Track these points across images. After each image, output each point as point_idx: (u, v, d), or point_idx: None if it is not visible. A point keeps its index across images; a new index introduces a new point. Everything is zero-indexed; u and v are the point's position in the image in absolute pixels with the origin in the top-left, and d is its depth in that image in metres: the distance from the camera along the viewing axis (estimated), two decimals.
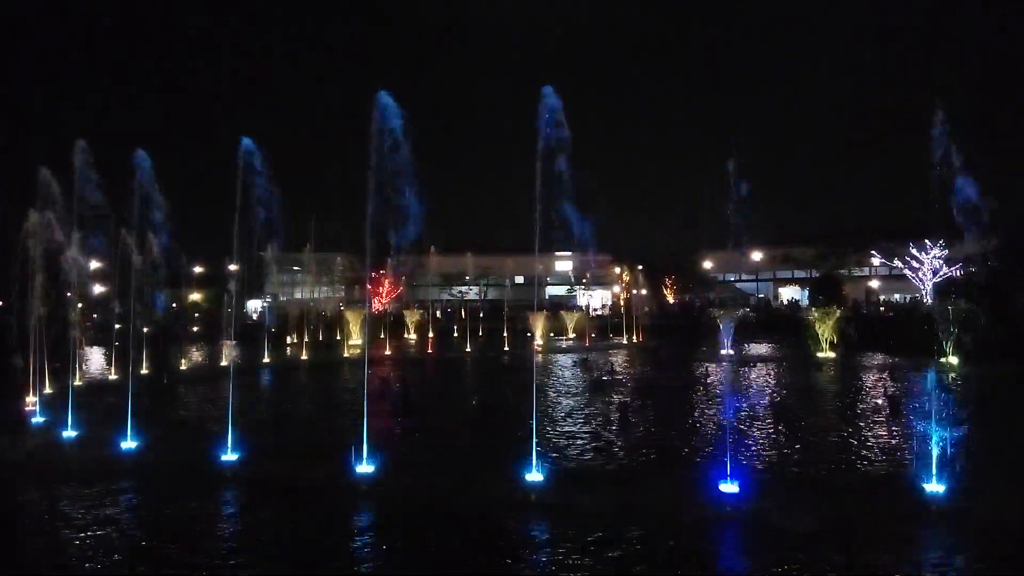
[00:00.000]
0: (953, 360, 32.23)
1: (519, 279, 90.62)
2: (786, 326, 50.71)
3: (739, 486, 12.44)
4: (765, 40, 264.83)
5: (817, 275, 78.89)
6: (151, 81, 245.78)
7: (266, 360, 38.51)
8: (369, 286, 65.21)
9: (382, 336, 49.15)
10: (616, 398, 25.04)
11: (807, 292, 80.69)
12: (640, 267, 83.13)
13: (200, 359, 41.18)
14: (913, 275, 65.97)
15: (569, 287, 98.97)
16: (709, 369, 35.21)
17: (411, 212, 15.09)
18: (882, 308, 72.03)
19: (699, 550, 10.83)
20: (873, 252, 76.65)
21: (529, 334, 48.98)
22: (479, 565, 10.45)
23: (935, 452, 12.60)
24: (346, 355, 42.57)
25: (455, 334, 58.35)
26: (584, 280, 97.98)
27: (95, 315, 43.16)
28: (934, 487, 12.23)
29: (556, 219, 14.27)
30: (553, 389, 28.25)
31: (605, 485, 13.68)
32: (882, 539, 10.78)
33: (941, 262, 62.55)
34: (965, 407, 21.85)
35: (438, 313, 74.61)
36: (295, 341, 49.83)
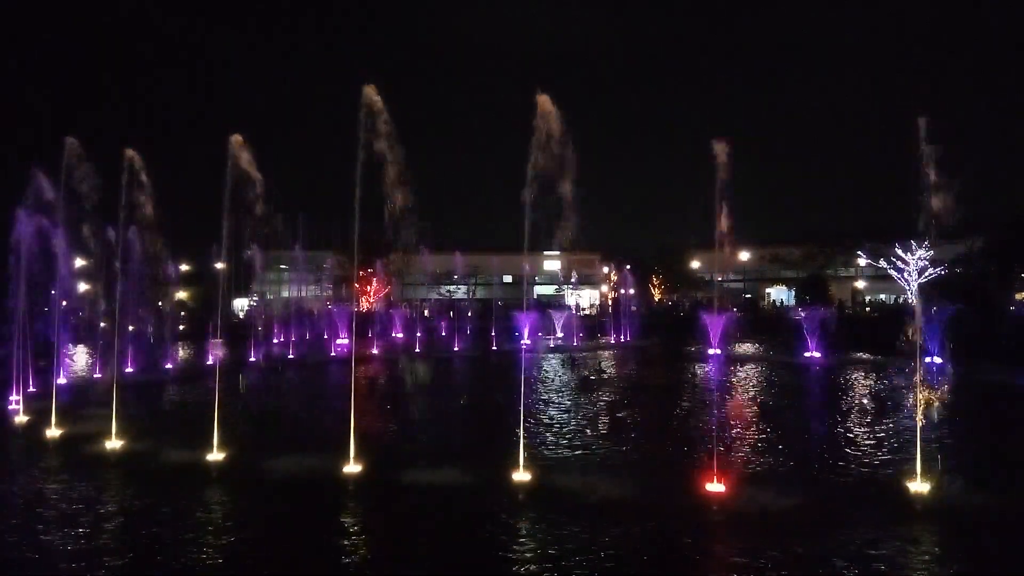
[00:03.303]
0: (938, 360, 32.48)
1: (507, 278, 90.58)
2: (773, 326, 51.01)
3: (724, 485, 12.52)
4: (755, 42, 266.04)
5: (804, 275, 79.24)
6: (141, 77, 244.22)
7: (252, 359, 38.41)
8: (357, 285, 65.23)
9: (370, 335, 49.04)
10: (603, 397, 25.12)
11: (794, 292, 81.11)
12: (628, 267, 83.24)
13: (186, 357, 40.97)
14: (899, 276, 66.34)
15: (557, 286, 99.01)
16: (696, 369, 35.35)
17: (401, 210, 15.11)
18: (867, 308, 72.45)
19: (680, 544, 10.88)
20: (859, 252, 77.03)
21: (517, 333, 49.02)
22: (467, 556, 10.49)
23: (918, 450, 12.72)
24: (333, 353, 42.55)
25: (443, 332, 58.30)
26: (572, 279, 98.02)
27: (80, 312, 42.81)
28: (917, 484, 12.34)
29: (545, 218, 14.31)
30: (540, 388, 28.28)
31: (590, 481, 13.68)
32: (862, 533, 10.86)
33: (927, 263, 62.89)
34: (949, 407, 22.11)
35: (426, 312, 74.48)
36: (282, 339, 49.68)
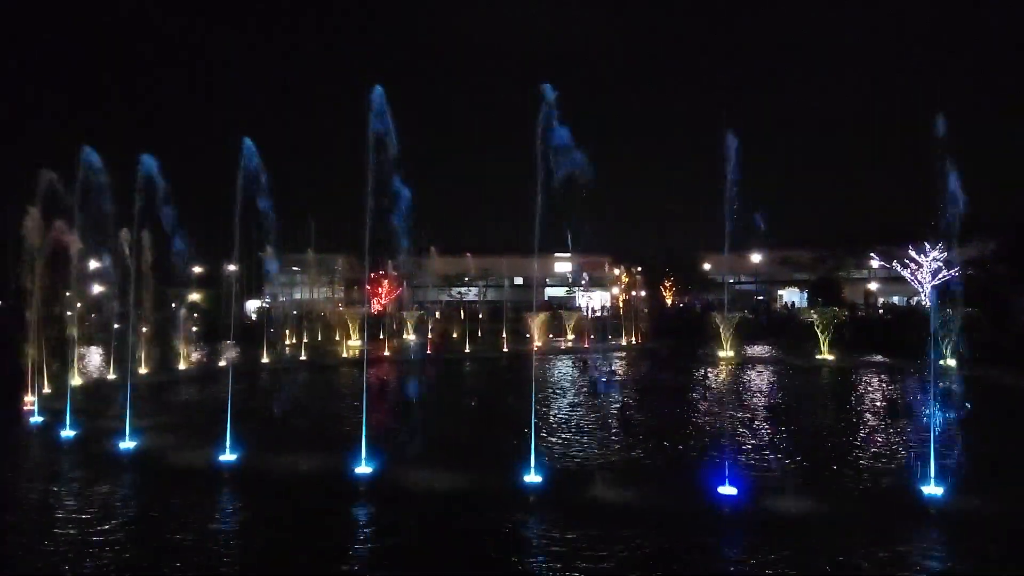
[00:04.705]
0: (951, 363, 32.26)
1: (518, 280, 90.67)
2: (785, 328, 50.78)
3: (737, 489, 12.50)
4: (766, 43, 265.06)
5: (816, 277, 78.89)
6: (151, 80, 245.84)
7: (264, 360, 38.59)
8: (368, 287, 65.43)
9: (381, 337, 49.13)
10: (614, 399, 25.08)
11: (806, 294, 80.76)
12: (639, 268, 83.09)
13: (199, 359, 41.16)
14: (911, 278, 65.96)
15: (568, 288, 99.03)
16: (708, 371, 35.23)
17: (410, 211, 15.21)
18: (880, 310, 71.99)
19: (691, 548, 10.86)
20: (872, 254, 76.66)
21: (528, 335, 49.02)
22: (475, 560, 10.51)
23: (932, 454, 12.66)
24: (345, 355, 42.71)
25: (454, 335, 58.41)
26: (583, 281, 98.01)
27: (93, 315, 43.13)
28: (930, 488, 12.29)
29: (556, 220, 14.34)
30: (552, 390, 28.27)
31: (603, 485, 13.66)
32: (874, 538, 10.82)
33: (940, 264, 62.49)
34: (962, 410, 21.96)
35: (437, 314, 74.59)
36: (294, 341, 49.89)
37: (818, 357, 37.76)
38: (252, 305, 76.43)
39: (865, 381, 31.15)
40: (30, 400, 22.05)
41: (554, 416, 22.04)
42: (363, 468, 14.10)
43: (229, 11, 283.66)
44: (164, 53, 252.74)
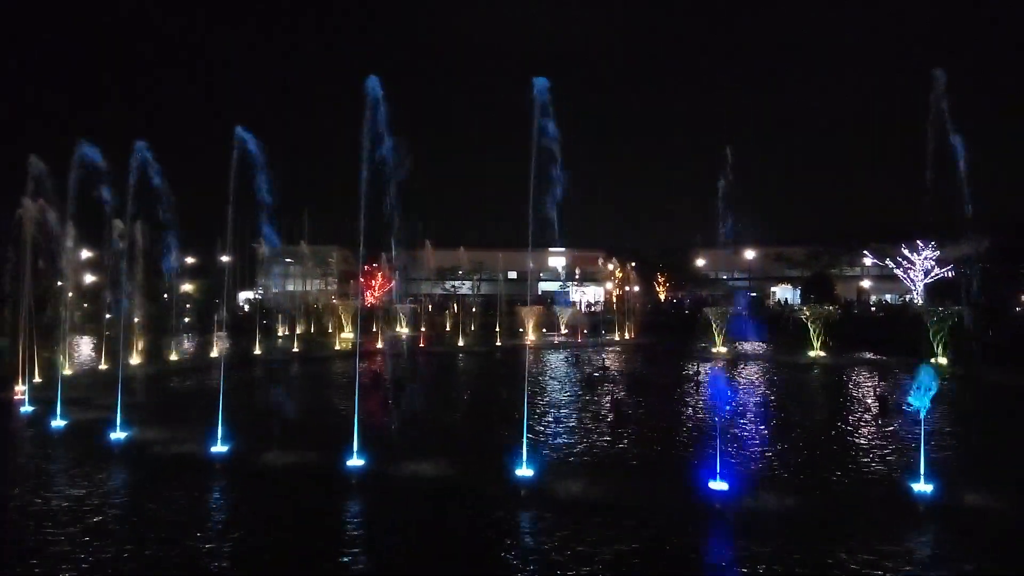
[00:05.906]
0: (942, 361, 32.38)
1: (512, 274, 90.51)
2: (778, 325, 50.82)
3: (727, 484, 12.53)
4: (766, 43, 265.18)
5: (809, 274, 79.00)
6: (146, 72, 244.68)
7: (257, 352, 38.51)
8: (362, 279, 65.21)
9: (374, 329, 49.09)
10: (606, 394, 25.10)
11: (799, 291, 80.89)
12: (633, 264, 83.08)
13: (191, 349, 41.06)
14: (904, 276, 66.16)
15: (562, 283, 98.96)
16: (700, 367, 35.25)
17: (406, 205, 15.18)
18: (872, 308, 72.22)
19: (683, 544, 10.88)
20: (865, 252, 76.81)
21: (521, 329, 49.00)
22: (467, 554, 10.51)
23: (921, 451, 12.70)
24: (337, 347, 42.66)
25: (447, 328, 58.38)
26: (577, 276, 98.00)
27: (85, 304, 42.93)
28: (920, 485, 12.34)
29: (550, 214, 14.32)
30: (544, 384, 28.27)
31: (593, 478, 13.68)
32: (864, 534, 10.86)
33: (932, 263, 62.76)
34: (953, 408, 22.06)
35: (430, 307, 74.43)
36: (287, 333, 49.79)
37: (810, 354, 37.79)
38: (244, 296, 76.25)
39: (856, 378, 31.22)
40: (21, 390, 21.95)
41: (546, 410, 22.05)
42: (355, 461, 14.08)
43: (229, 11, 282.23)
44: (164, 53, 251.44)
